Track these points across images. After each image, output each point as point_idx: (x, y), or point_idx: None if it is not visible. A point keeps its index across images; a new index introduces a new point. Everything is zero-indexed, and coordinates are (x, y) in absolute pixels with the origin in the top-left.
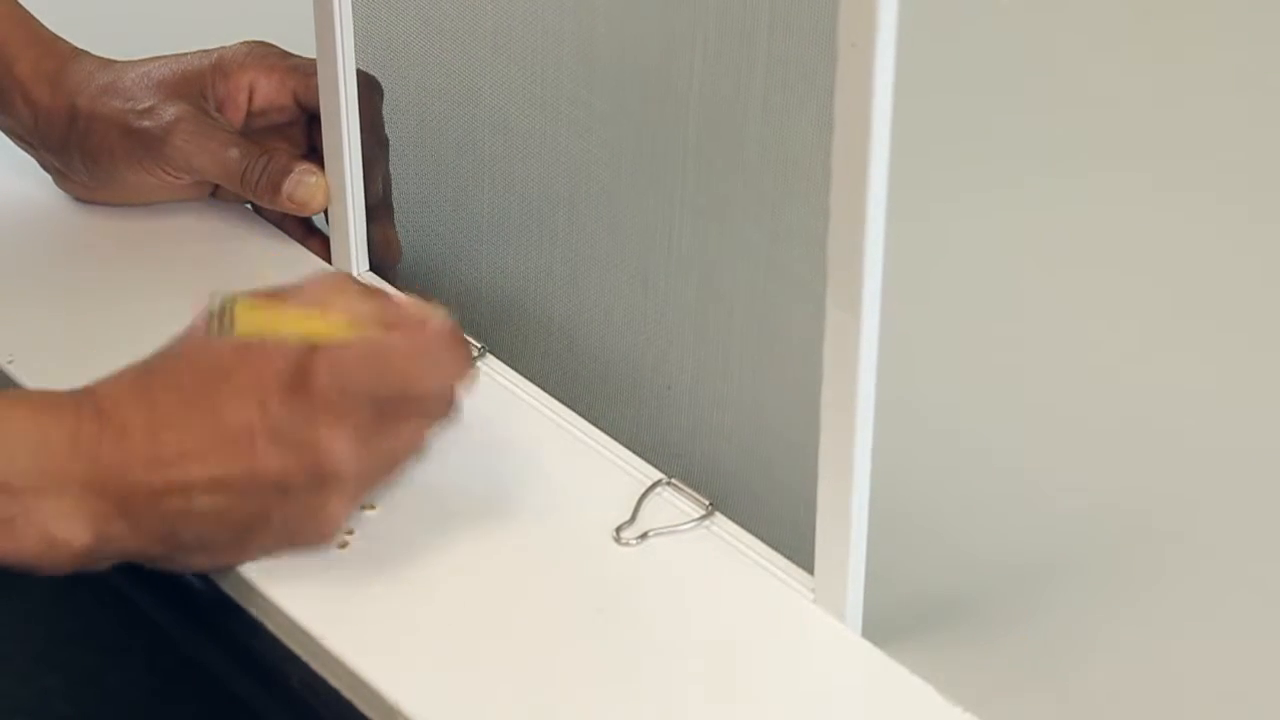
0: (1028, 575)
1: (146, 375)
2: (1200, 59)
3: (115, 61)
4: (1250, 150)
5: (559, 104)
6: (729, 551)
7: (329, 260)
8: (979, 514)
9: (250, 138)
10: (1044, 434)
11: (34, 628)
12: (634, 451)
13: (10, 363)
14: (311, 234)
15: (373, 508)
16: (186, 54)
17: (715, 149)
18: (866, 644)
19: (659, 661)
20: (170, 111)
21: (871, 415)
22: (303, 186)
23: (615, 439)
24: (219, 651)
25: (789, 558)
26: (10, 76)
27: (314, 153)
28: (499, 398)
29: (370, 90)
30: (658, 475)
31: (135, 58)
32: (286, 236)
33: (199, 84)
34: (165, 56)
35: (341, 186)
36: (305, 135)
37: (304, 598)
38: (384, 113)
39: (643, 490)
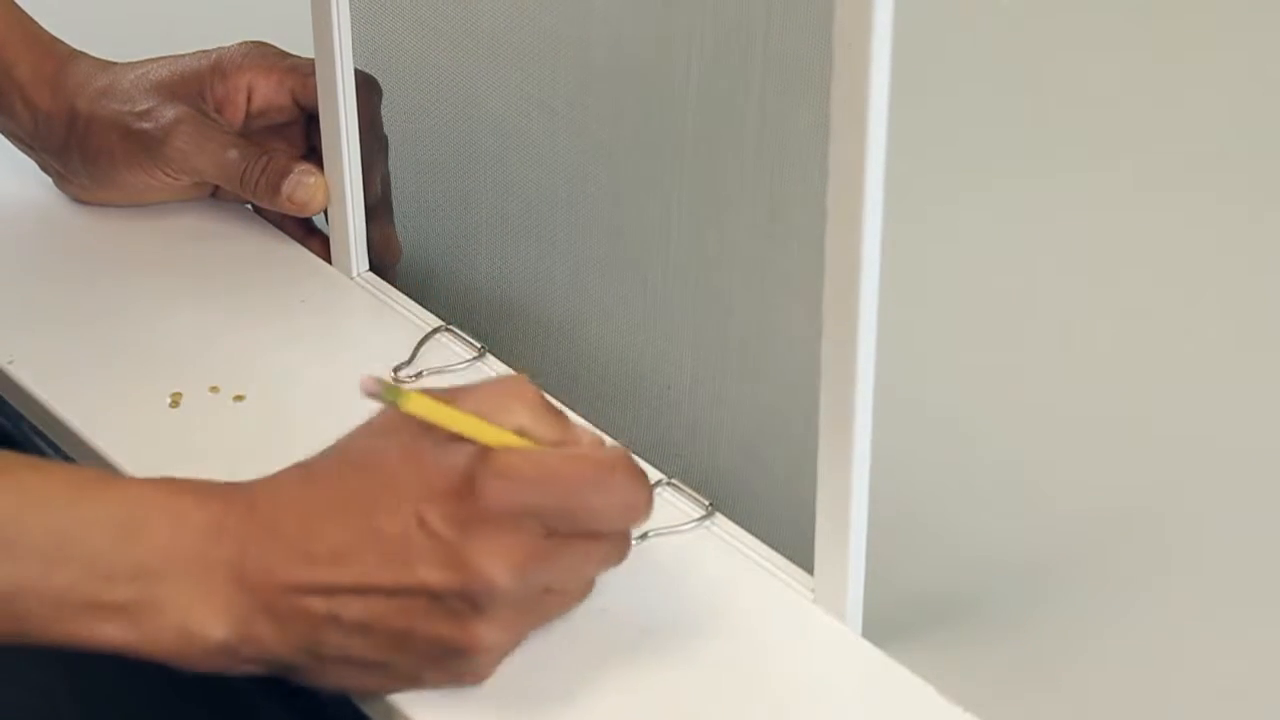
0: (1028, 575)
1: (305, 472)
2: (1200, 59)
3: (114, 63)
4: (1250, 150)
5: (557, 105)
6: (729, 551)
7: (329, 260)
8: (979, 514)
9: (249, 138)
10: (1044, 434)
11: None
12: (634, 451)
13: (10, 363)
14: (311, 234)
15: None
16: (185, 55)
17: (713, 150)
18: (866, 644)
19: (659, 661)
20: (169, 113)
21: (870, 415)
22: (302, 187)
23: (615, 439)
24: None
25: (789, 558)
26: (9, 79)
27: (313, 153)
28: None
29: (369, 90)
30: (658, 475)
31: (134, 59)
32: (286, 236)
33: (198, 85)
34: (164, 58)
35: (341, 187)
36: (304, 135)
37: None
38: (383, 113)
39: None
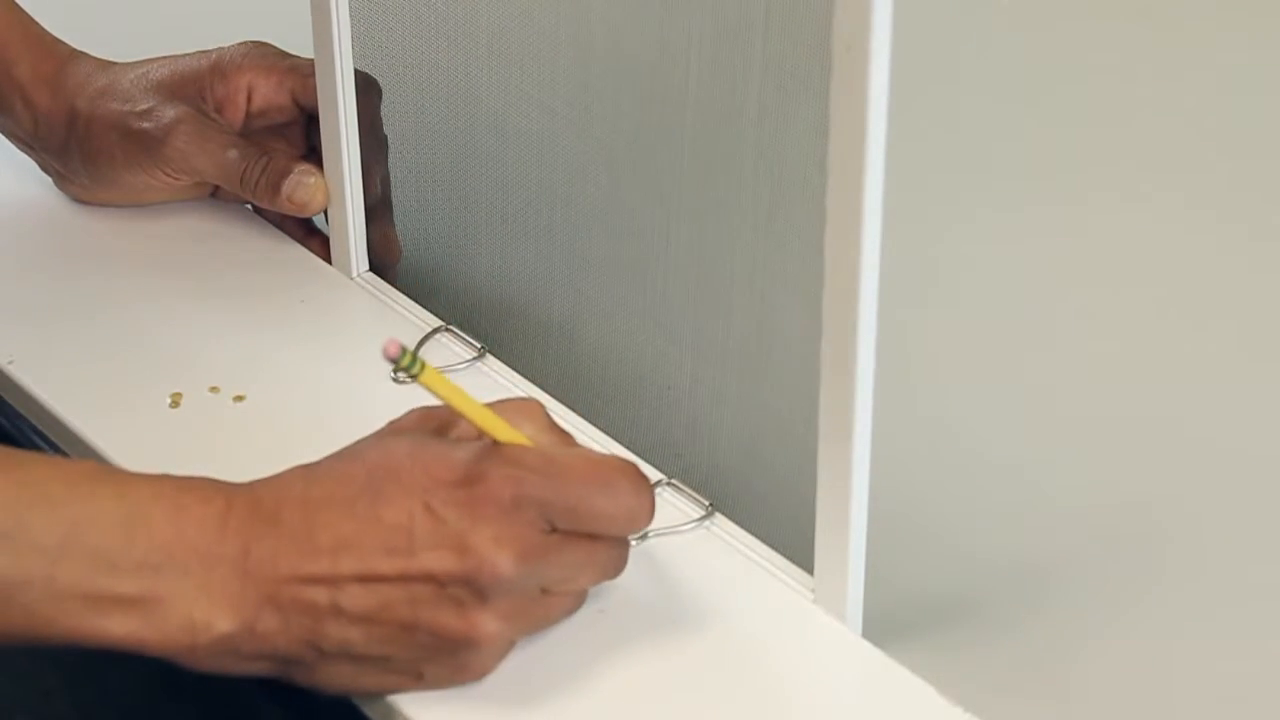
0: (1028, 575)
1: (308, 471)
2: (1201, 60)
3: (114, 63)
4: (1251, 151)
5: (557, 105)
6: (729, 551)
7: (329, 260)
8: (979, 514)
9: (249, 138)
10: (1043, 434)
11: None
12: (634, 451)
13: (10, 364)
14: (311, 234)
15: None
16: (185, 55)
17: (712, 150)
18: (866, 644)
19: (659, 662)
20: (169, 113)
21: (870, 416)
22: (302, 187)
23: (615, 439)
24: None
25: (789, 558)
26: (9, 79)
27: (313, 153)
28: (499, 398)
29: (368, 91)
30: (658, 475)
31: (134, 59)
32: (286, 236)
33: (198, 85)
34: (164, 58)
35: (340, 187)
36: (304, 136)
37: None
38: (383, 113)
39: None
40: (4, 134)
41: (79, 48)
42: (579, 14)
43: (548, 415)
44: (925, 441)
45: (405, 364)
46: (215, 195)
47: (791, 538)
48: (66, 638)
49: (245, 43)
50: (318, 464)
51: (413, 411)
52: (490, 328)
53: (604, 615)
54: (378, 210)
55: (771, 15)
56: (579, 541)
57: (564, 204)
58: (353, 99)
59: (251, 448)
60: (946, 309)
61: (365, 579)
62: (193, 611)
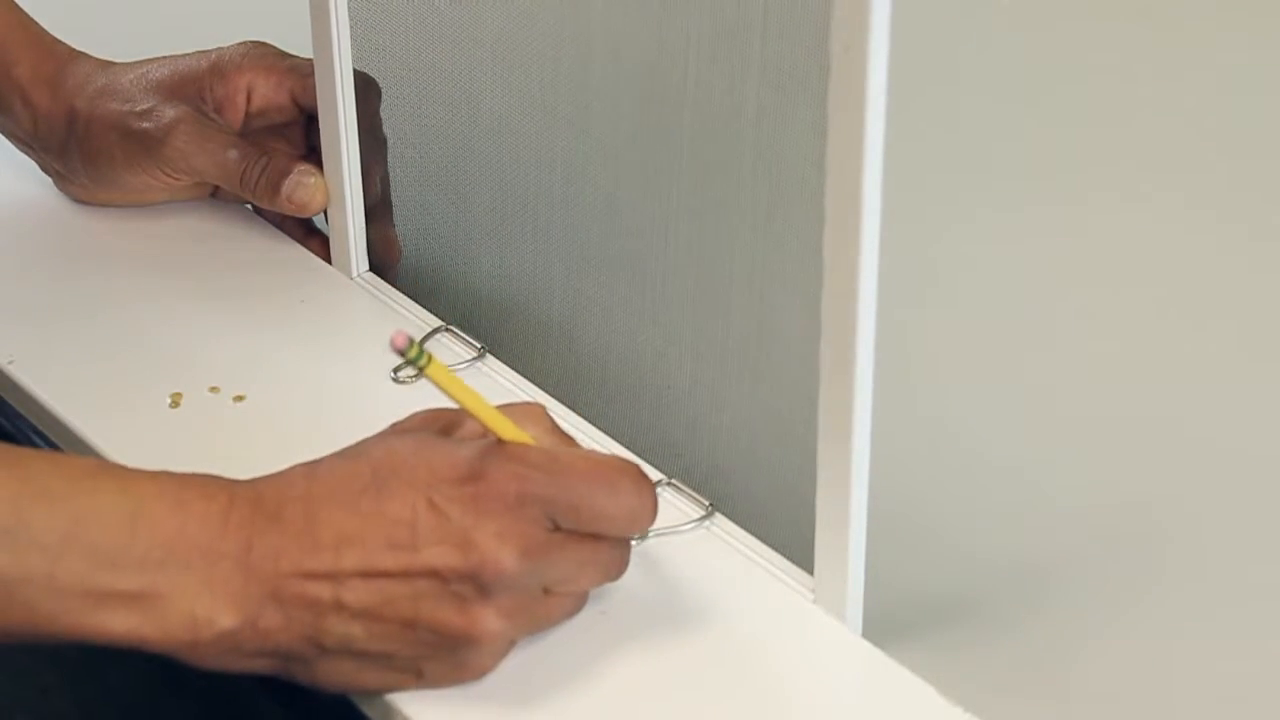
0: (1028, 575)
1: (312, 467)
2: (1201, 62)
3: (114, 63)
4: (1252, 151)
5: (556, 106)
6: (729, 551)
7: (329, 260)
8: (979, 514)
9: (249, 139)
10: (1043, 434)
11: None
12: (634, 451)
13: (10, 364)
14: (311, 234)
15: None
16: (184, 55)
17: (711, 151)
18: (866, 644)
19: (660, 662)
20: (169, 113)
21: (870, 416)
22: (302, 188)
23: (615, 439)
24: None
25: (789, 558)
26: (9, 79)
27: (313, 153)
28: (499, 398)
29: (368, 91)
30: (658, 475)
31: (134, 59)
32: (286, 237)
33: (197, 85)
34: (163, 58)
35: (340, 187)
36: (304, 136)
37: None
38: (383, 114)
39: None
40: (4, 134)
41: (79, 48)
42: (579, 15)
43: (551, 419)
44: (925, 441)
45: (412, 356)
46: (215, 195)
47: (791, 538)
48: (68, 635)
49: (245, 43)
50: (320, 461)
51: (416, 414)
52: (490, 328)
53: (604, 615)
54: (378, 210)
55: (770, 16)
56: (581, 541)
57: (564, 204)
58: (352, 99)
59: (251, 448)
60: (946, 309)
61: (368, 574)
62: (195, 608)
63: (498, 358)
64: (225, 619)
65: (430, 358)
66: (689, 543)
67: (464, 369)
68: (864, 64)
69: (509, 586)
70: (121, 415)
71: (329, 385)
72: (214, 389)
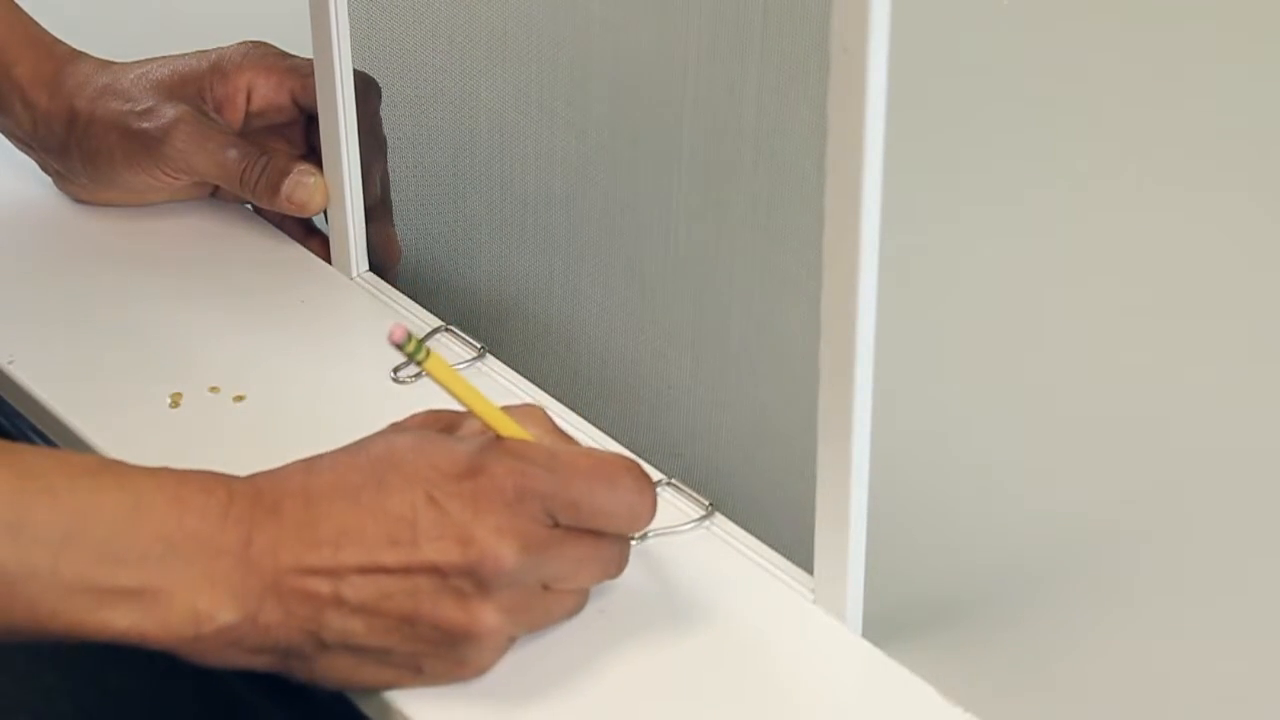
0: (1027, 576)
1: (312, 462)
2: (1202, 59)
3: (114, 63)
4: (1253, 151)
5: (556, 106)
6: (729, 551)
7: (329, 260)
8: (979, 515)
9: (249, 138)
10: (1043, 434)
11: None
12: (634, 451)
13: (10, 363)
14: (311, 234)
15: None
16: (184, 55)
17: (711, 151)
18: (866, 644)
19: (659, 662)
20: (169, 112)
21: (869, 415)
22: (301, 187)
23: (615, 439)
24: None
25: (789, 558)
26: (9, 79)
27: (313, 153)
28: (499, 399)
29: (368, 91)
30: (658, 475)
31: (134, 59)
32: (286, 236)
33: (197, 85)
34: (163, 58)
35: (340, 187)
36: (304, 136)
37: None
38: (383, 114)
39: None
40: (4, 134)
41: (79, 48)
42: (578, 15)
43: (551, 420)
44: (925, 442)
45: (410, 350)
46: (215, 195)
47: (791, 538)
48: (70, 631)
49: (245, 43)
50: (320, 457)
51: (417, 414)
52: (490, 328)
53: (604, 615)
54: (377, 210)
55: (770, 16)
56: (581, 537)
57: (564, 204)
58: (352, 99)
59: (251, 448)
60: (946, 309)
61: (367, 570)
62: (196, 602)
63: (498, 358)
64: (226, 614)
65: (429, 352)
66: (689, 543)
67: (464, 369)
68: (864, 64)
69: (509, 582)
70: (121, 415)
71: (329, 385)
72: (214, 389)
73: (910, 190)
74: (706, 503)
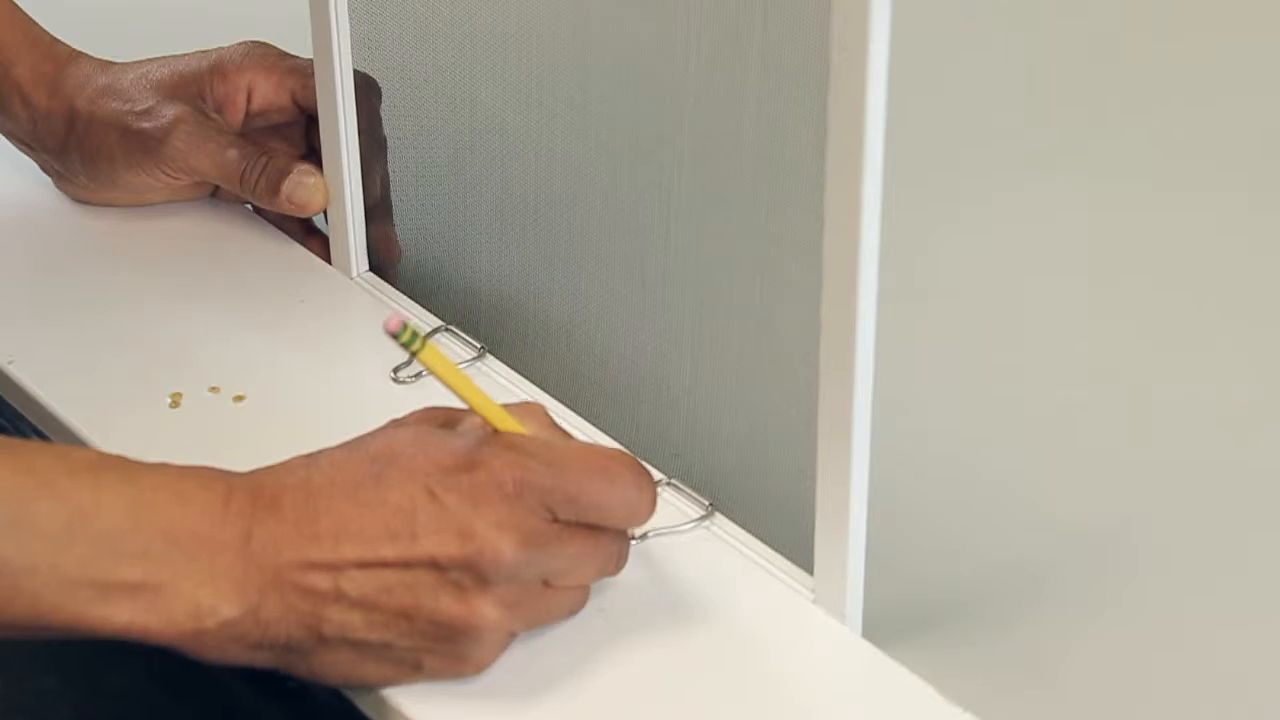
0: (1027, 576)
1: (311, 458)
2: (1201, 59)
3: (113, 63)
4: (1253, 151)
5: (556, 106)
6: (729, 551)
7: (329, 260)
8: (978, 515)
9: (249, 138)
10: (1043, 434)
11: None
12: (634, 451)
13: (10, 363)
14: (311, 234)
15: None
16: (185, 55)
17: (711, 151)
18: (866, 644)
19: (660, 662)
20: (169, 112)
21: (870, 415)
22: (301, 187)
23: (615, 439)
24: None
25: (789, 558)
26: (9, 79)
27: (313, 153)
28: (499, 398)
29: (368, 91)
30: (658, 475)
31: (134, 59)
32: (286, 237)
33: (197, 85)
34: (163, 58)
35: (340, 187)
36: (304, 136)
37: None
38: (382, 114)
39: None
40: (4, 134)
41: (79, 48)
42: (578, 15)
43: (550, 417)
44: (925, 442)
45: (406, 339)
46: (215, 195)
47: (791, 538)
48: (71, 626)
49: (245, 43)
50: (320, 453)
51: (416, 411)
52: (490, 328)
53: (604, 615)
54: (378, 210)
55: (770, 16)
56: (579, 532)
57: (564, 204)
58: (352, 99)
59: (251, 448)
60: (946, 309)
61: (367, 564)
62: (197, 597)
63: (497, 358)
64: (228, 608)
65: (424, 341)
66: (689, 543)
67: (464, 369)
68: (864, 64)
69: (508, 576)
70: (121, 415)
71: (329, 385)
72: (214, 389)
73: (910, 190)
74: (706, 503)
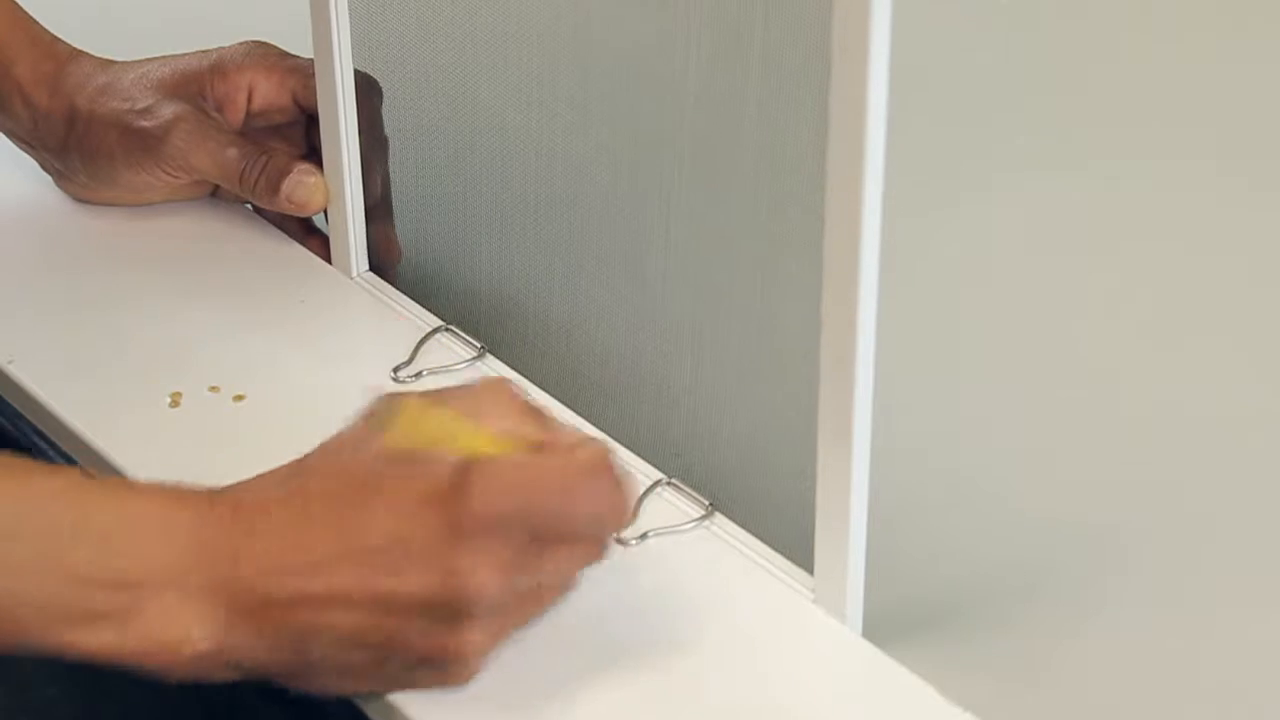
0: (1027, 576)
1: (295, 477)
2: (1201, 58)
3: (114, 62)
4: (1253, 150)
5: (556, 105)
6: (729, 551)
7: (329, 260)
8: (979, 515)
9: (249, 138)
10: (1043, 434)
11: None
12: (633, 451)
13: (10, 363)
14: (311, 234)
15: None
16: (185, 54)
17: (711, 150)
18: (866, 644)
19: (659, 662)
20: (169, 111)
21: (870, 415)
22: (302, 187)
23: (615, 439)
24: None
25: (789, 558)
26: (9, 78)
27: (313, 153)
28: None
29: (368, 91)
30: (658, 475)
31: (134, 59)
32: (286, 236)
33: (198, 84)
34: (164, 57)
35: (340, 187)
36: (304, 136)
37: None
38: (383, 113)
39: (642, 490)
40: (4, 133)
41: (79, 48)
42: (578, 14)
43: (518, 395)
44: (925, 442)
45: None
46: (215, 195)
47: (791, 538)
48: (59, 651)
49: (246, 42)
50: (305, 465)
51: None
52: (490, 328)
53: (603, 615)
54: (378, 210)
55: (770, 16)
56: (559, 544)
57: (564, 204)
58: (353, 99)
59: (251, 448)
60: (946, 309)
61: (348, 601)
62: (171, 628)
63: (497, 357)
64: (201, 642)
65: (394, 419)
66: (689, 543)
67: (464, 369)
68: (864, 64)
69: (491, 607)
70: (121, 415)
71: (329, 385)
72: (214, 389)
73: (910, 190)
74: (706, 503)
